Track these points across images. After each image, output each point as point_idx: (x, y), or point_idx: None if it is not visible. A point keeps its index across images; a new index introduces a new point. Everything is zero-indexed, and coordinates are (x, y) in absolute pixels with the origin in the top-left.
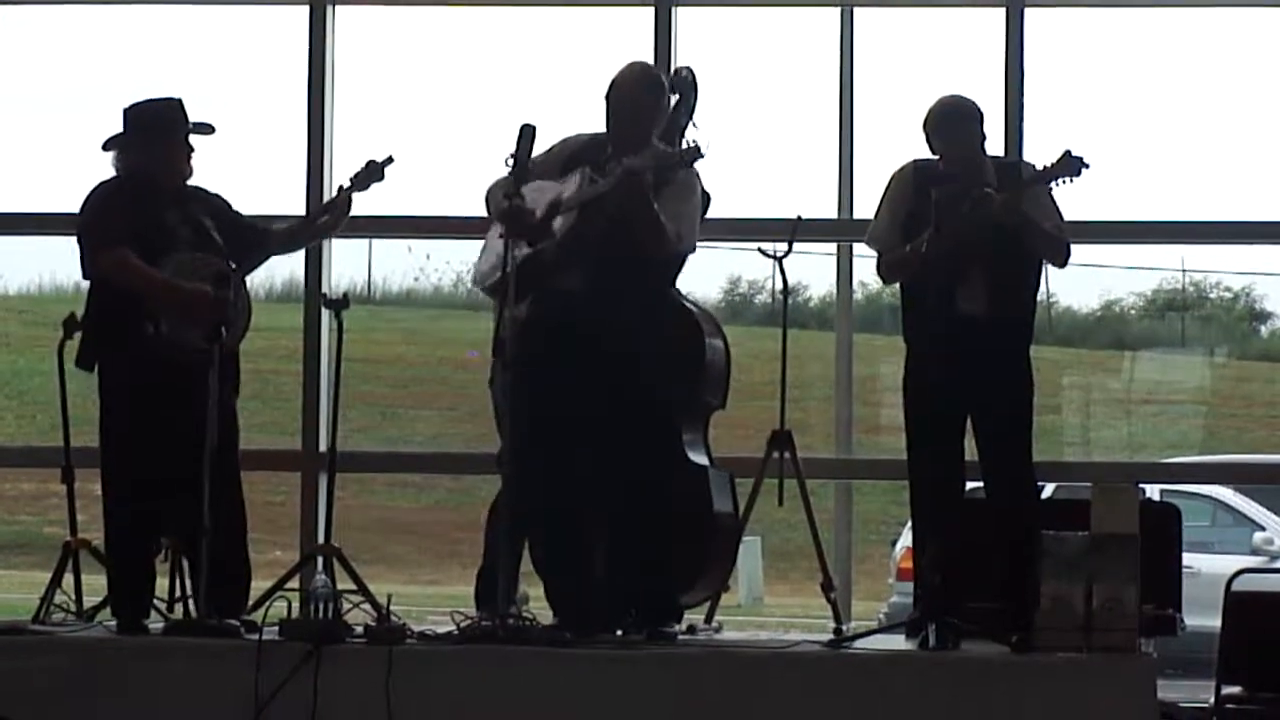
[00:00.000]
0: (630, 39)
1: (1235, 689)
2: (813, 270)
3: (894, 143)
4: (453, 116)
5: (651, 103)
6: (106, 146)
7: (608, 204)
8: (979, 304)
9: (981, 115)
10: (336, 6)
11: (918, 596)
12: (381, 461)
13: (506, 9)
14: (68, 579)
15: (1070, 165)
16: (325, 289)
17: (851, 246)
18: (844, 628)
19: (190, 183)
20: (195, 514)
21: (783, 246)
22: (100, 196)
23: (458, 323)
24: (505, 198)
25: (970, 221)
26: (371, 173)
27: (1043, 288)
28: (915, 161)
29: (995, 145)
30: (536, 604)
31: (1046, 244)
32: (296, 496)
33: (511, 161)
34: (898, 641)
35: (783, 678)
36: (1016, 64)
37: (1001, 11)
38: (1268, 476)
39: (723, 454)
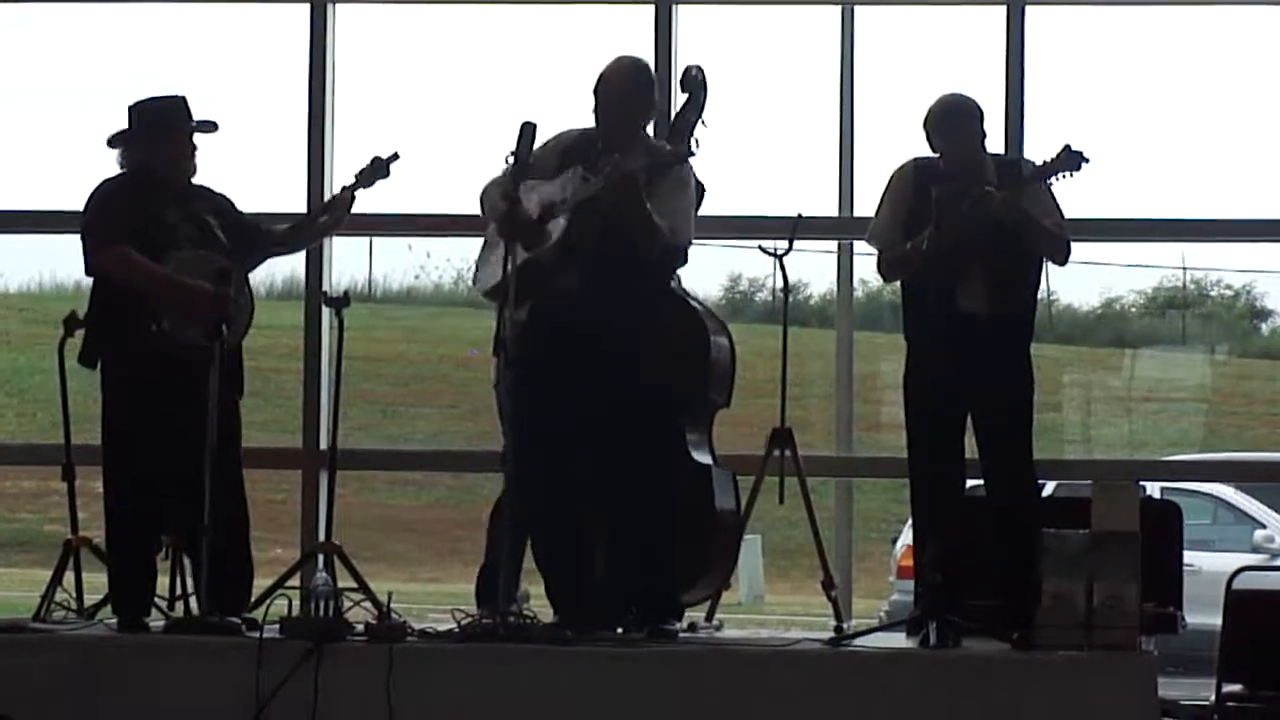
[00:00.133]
0: (631, 37)
1: (1236, 687)
2: (813, 268)
3: (894, 141)
4: (453, 114)
5: (640, 96)
6: (111, 143)
7: (601, 204)
8: (979, 302)
9: (982, 113)
10: (337, 4)
11: (918, 594)
12: (382, 459)
13: (507, 7)
14: (68, 577)
15: (1070, 160)
16: (326, 287)
17: (852, 244)
18: (845, 626)
19: (195, 181)
20: (196, 512)
21: (783, 244)
22: (103, 193)
23: (458, 320)
24: (503, 198)
25: (971, 219)
26: (377, 169)
27: (1043, 285)
28: (916, 159)
29: (996, 143)
30: (537, 602)
31: (1047, 241)
32: (297, 494)
33: (511, 159)
34: (898, 639)
35: (783, 676)
36: (1017, 62)
37: (1002, 9)
38: (1268, 474)
39: (724, 451)
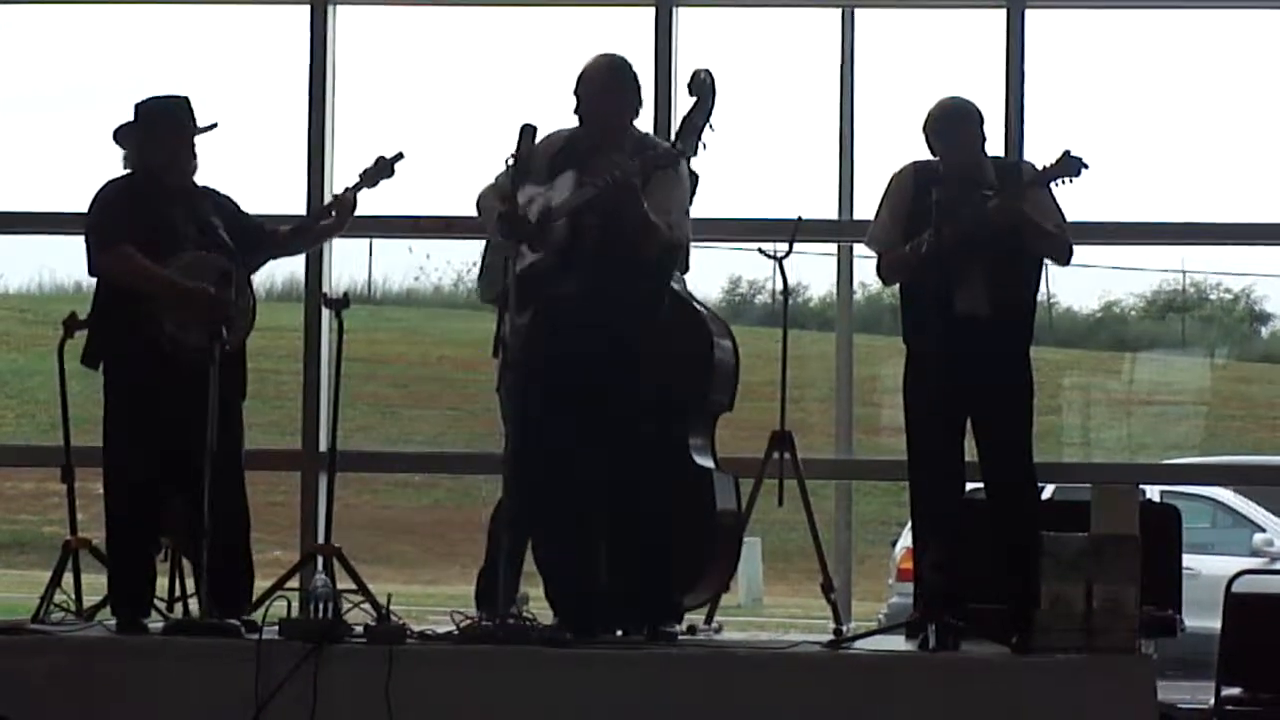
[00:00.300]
0: (631, 39)
1: (1235, 690)
2: (813, 271)
3: (894, 144)
4: (453, 116)
5: (622, 93)
6: (116, 136)
7: (598, 207)
8: (979, 305)
9: (981, 117)
10: (338, 6)
11: (918, 597)
12: (382, 461)
13: (507, 9)
14: (67, 578)
15: (1069, 165)
16: (326, 288)
17: (852, 247)
18: (844, 628)
19: (199, 182)
20: (197, 514)
21: (783, 247)
22: (107, 194)
23: (458, 322)
24: (502, 200)
25: (970, 222)
26: (381, 169)
27: (1043, 288)
28: (915, 163)
29: (996, 146)
30: (536, 604)
31: (1049, 243)
32: (296, 496)
33: (512, 161)
34: (898, 642)
35: (782, 678)
36: (1017, 65)
37: (1002, 12)
38: (1268, 478)
39: (723, 454)
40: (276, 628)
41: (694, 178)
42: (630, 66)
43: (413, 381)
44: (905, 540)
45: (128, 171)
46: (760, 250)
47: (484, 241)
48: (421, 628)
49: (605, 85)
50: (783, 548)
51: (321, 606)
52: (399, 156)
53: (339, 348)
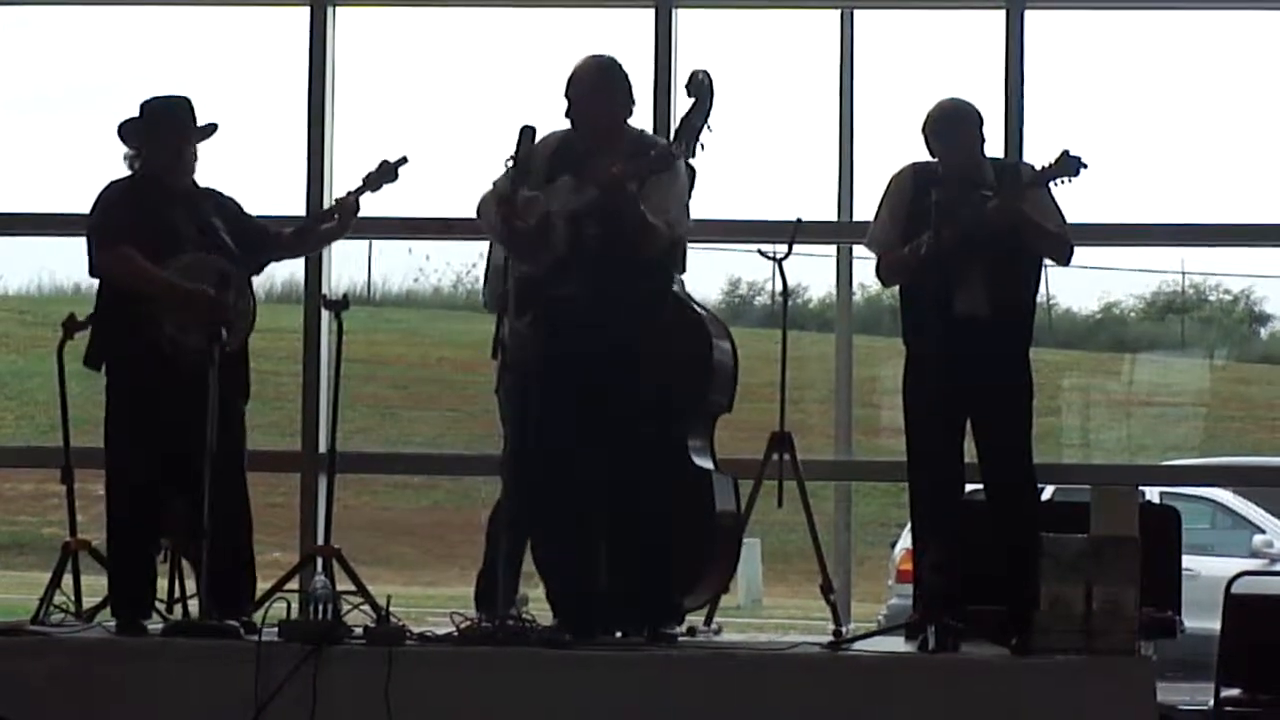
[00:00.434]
0: (631, 40)
1: (1235, 691)
2: (812, 272)
3: (894, 145)
4: (453, 118)
5: (613, 93)
6: (121, 132)
7: (596, 211)
8: (978, 306)
9: (981, 118)
10: (337, 8)
11: (917, 598)
12: (381, 462)
13: (507, 10)
14: (67, 580)
15: (1069, 165)
16: (325, 290)
17: (851, 248)
18: (843, 630)
19: (203, 184)
20: (198, 515)
21: (782, 248)
22: (109, 195)
23: (458, 324)
24: (501, 203)
25: (969, 223)
26: (384, 173)
27: (1042, 289)
28: (914, 164)
29: (995, 147)
30: (536, 606)
31: (1049, 243)
32: (296, 497)
33: (511, 163)
34: (897, 643)
35: (782, 680)
36: (1017, 66)
37: (1001, 13)
38: (1267, 479)
39: (723, 455)
40: (276, 629)
41: (691, 172)
42: (619, 66)
43: (412, 383)
44: (905, 541)
45: (130, 173)
46: (760, 251)
47: (486, 249)
48: (421, 629)
49: (595, 86)
50: (782, 549)
51: (321, 608)
52: (402, 160)
53: (338, 349)
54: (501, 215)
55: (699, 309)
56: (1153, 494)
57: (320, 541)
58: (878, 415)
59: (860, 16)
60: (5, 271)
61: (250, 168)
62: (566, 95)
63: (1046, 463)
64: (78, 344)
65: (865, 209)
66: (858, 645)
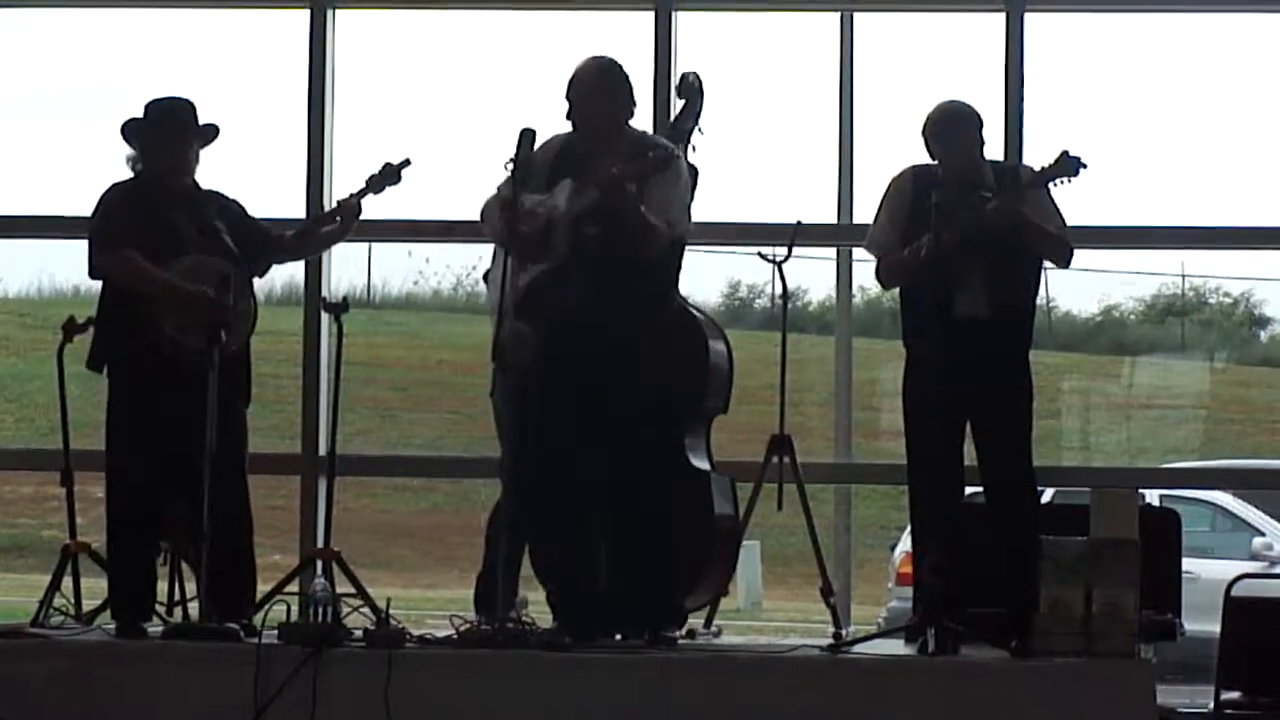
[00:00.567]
0: (631, 42)
1: (1235, 694)
2: (812, 275)
3: (893, 147)
4: (453, 120)
5: (614, 94)
6: (124, 131)
7: (596, 213)
8: (978, 308)
9: (981, 120)
10: (337, 10)
11: (917, 601)
12: (381, 465)
13: (507, 12)
14: (67, 582)
15: (1068, 165)
16: (325, 292)
17: (851, 251)
18: (843, 632)
19: (205, 186)
20: (197, 517)
21: (782, 251)
22: (110, 197)
23: (457, 326)
24: (503, 207)
25: (969, 225)
26: (387, 175)
27: (1042, 292)
28: (914, 166)
29: (995, 150)
30: (536, 608)
31: (1049, 245)
32: (296, 500)
33: (511, 166)
34: (897, 646)
35: (782, 682)
36: (1016, 68)
37: (1001, 16)
38: (1267, 482)
39: (722, 458)
40: (276, 632)
41: (694, 173)
42: (620, 68)
43: (412, 385)
44: (904, 544)
45: (132, 175)
46: (759, 254)
47: (491, 254)
48: (421, 632)
49: (595, 88)
50: (782, 552)
51: (321, 610)
52: (406, 163)
53: (338, 352)
54: (505, 220)
55: (694, 310)
56: (1153, 497)
57: (320, 544)
58: (877, 418)
59: (860, 19)
60: (5, 274)
61: (250, 170)
62: (567, 97)
63: (1046, 465)
64: (78, 347)
65: (865, 212)
66: (858, 648)
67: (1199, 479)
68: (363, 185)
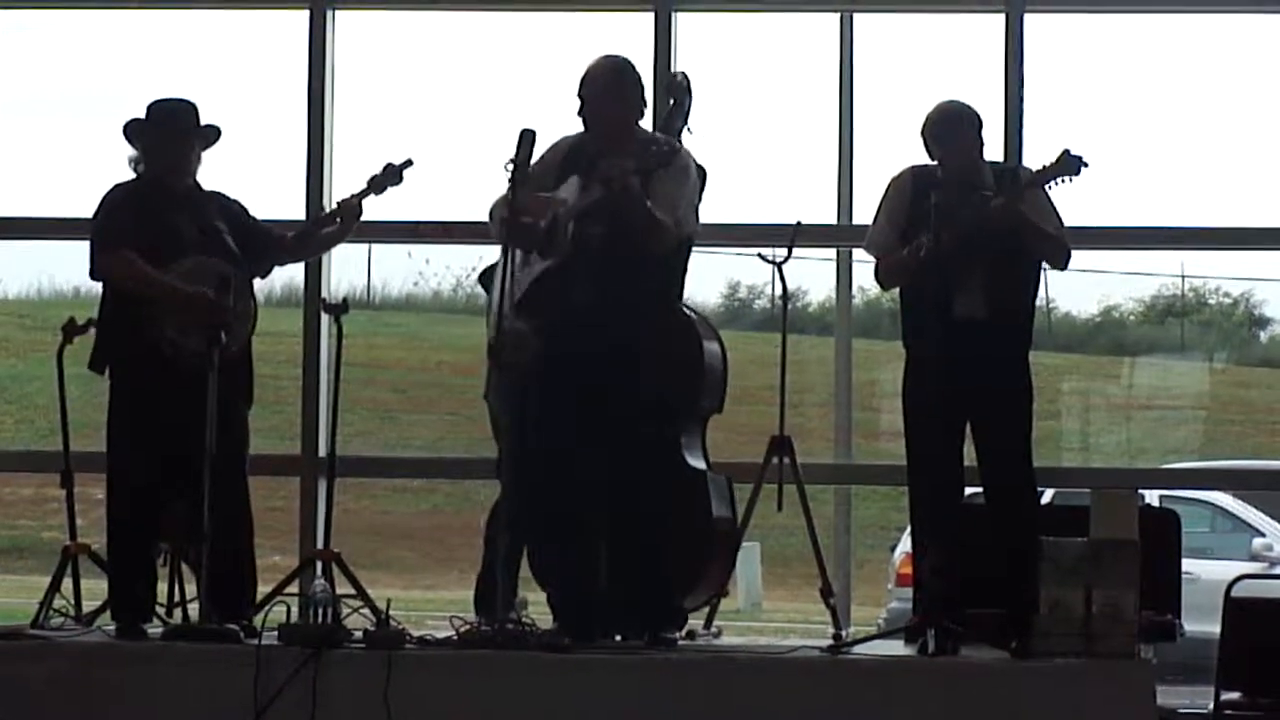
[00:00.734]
0: (630, 43)
1: (1234, 695)
2: (812, 275)
3: (893, 148)
4: (453, 121)
5: (627, 93)
6: (127, 131)
7: (601, 211)
8: (978, 309)
9: (980, 121)
10: (337, 10)
11: (917, 602)
12: (381, 466)
13: (506, 13)
14: (67, 584)
15: (1069, 164)
16: (325, 294)
17: (851, 252)
18: (843, 633)
19: (207, 187)
20: (197, 518)
21: (782, 252)
22: (111, 198)
23: (457, 327)
24: (506, 205)
25: (969, 226)
26: (389, 176)
27: (1041, 293)
28: (913, 167)
29: (995, 150)
30: (536, 609)
31: (1048, 246)
32: (296, 501)
33: (511, 166)
34: (897, 647)
35: (782, 683)
36: (1016, 69)
37: (1001, 17)
38: (1267, 482)
39: (722, 459)
40: (276, 633)
41: (702, 173)
42: (633, 67)
43: (411, 387)
44: (904, 545)
45: (134, 176)
46: (759, 255)
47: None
48: (420, 633)
49: (608, 87)
50: (782, 553)
51: (320, 612)
52: (408, 163)
53: (338, 353)
54: (504, 220)
55: (688, 311)
56: (1152, 497)
57: (320, 545)
58: (877, 419)
59: (860, 20)
60: (5, 275)
61: (250, 170)
62: (580, 94)
63: (1046, 466)
64: (78, 348)
65: (865, 212)
66: (857, 649)
67: (1199, 479)
68: (364, 186)
